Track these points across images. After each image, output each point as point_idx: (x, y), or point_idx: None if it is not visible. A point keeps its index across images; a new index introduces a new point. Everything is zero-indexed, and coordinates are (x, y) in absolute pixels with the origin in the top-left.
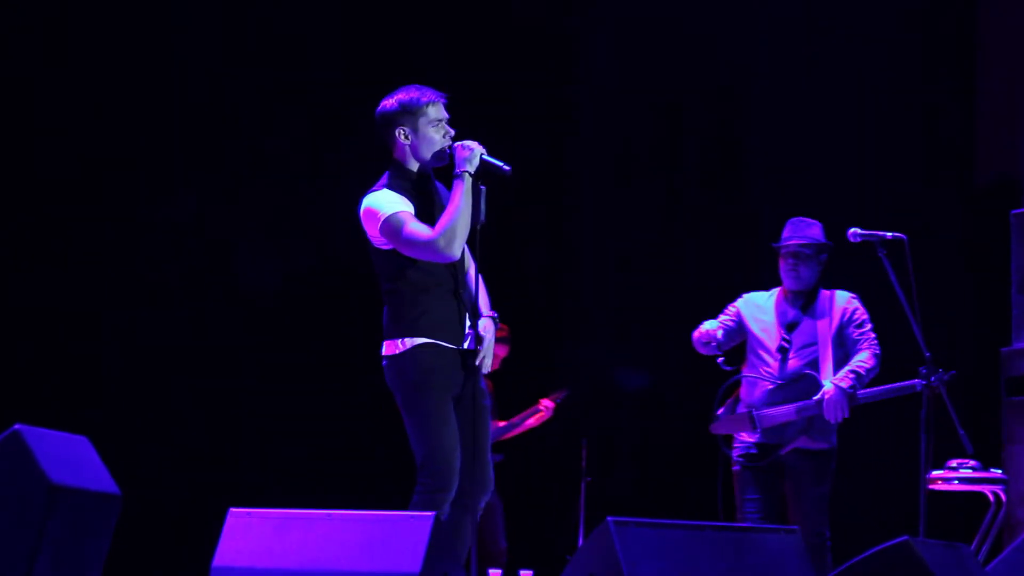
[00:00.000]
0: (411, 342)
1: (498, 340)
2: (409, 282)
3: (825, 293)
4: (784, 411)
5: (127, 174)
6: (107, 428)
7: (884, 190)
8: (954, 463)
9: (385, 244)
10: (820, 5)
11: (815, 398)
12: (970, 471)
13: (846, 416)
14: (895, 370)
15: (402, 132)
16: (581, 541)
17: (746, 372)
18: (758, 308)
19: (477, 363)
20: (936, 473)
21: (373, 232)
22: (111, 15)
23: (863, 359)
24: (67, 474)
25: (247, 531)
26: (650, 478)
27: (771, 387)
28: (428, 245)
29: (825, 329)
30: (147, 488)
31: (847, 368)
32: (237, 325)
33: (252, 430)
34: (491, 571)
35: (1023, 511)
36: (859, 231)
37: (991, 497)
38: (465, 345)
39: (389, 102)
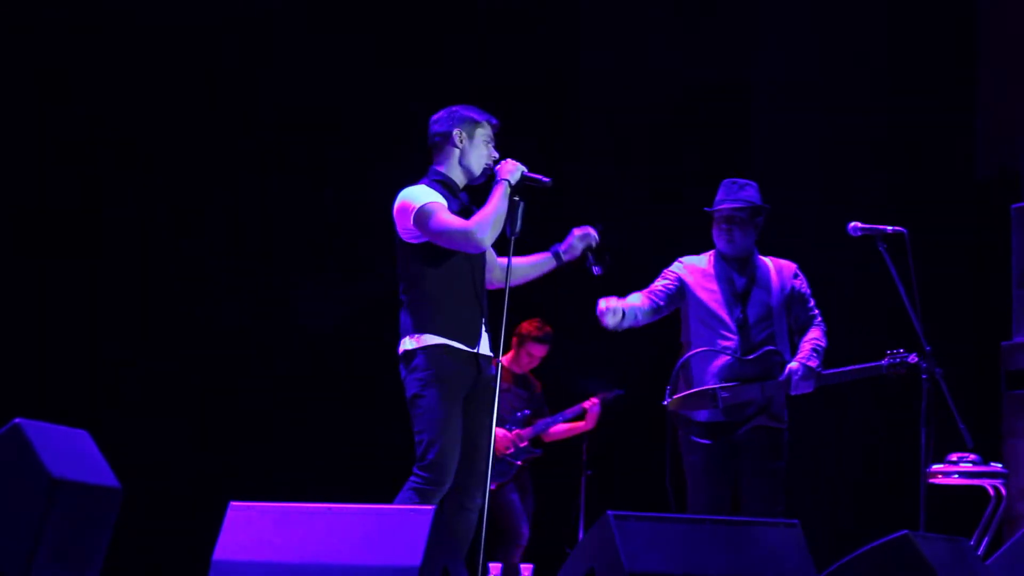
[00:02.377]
0: (426, 340)
1: (537, 339)
2: (431, 281)
3: (763, 260)
4: (749, 389)
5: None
6: (108, 422)
7: (884, 184)
8: (954, 457)
9: (415, 238)
10: (822, 3)
11: (781, 378)
12: (970, 465)
13: (808, 392)
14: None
15: (459, 134)
16: (581, 534)
17: (700, 346)
18: (702, 275)
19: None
20: (936, 467)
21: (405, 224)
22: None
23: (817, 337)
24: (68, 468)
25: (247, 524)
26: (651, 472)
27: (733, 363)
28: (462, 233)
29: (777, 301)
30: (148, 481)
31: (808, 347)
32: (238, 320)
33: (253, 423)
34: (491, 565)
35: (1023, 505)
36: (860, 225)
37: (991, 491)
38: (479, 348)
39: (452, 108)
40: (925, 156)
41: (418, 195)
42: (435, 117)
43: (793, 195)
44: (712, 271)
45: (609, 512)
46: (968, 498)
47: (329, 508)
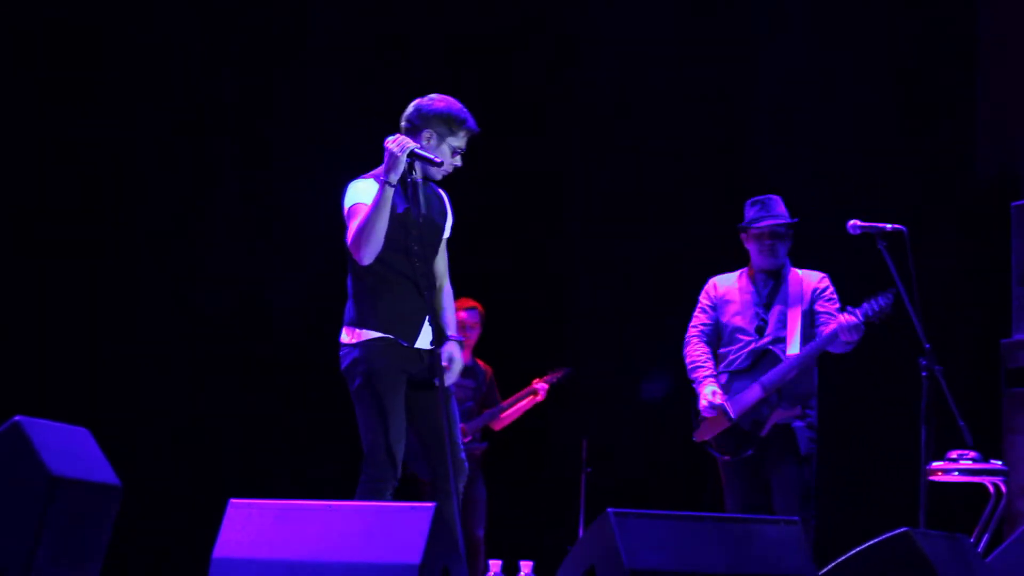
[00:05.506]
0: (366, 334)
1: (471, 326)
2: (372, 273)
3: (794, 272)
4: (751, 391)
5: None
6: (107, 419)
7: (884, 181)
8: (954, 454)
9: None
10: (822, 3)
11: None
12: (970, 462)
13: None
14: (896, 362)
15: (429, 135)
16: (581, 532)
17: (723, 362)
18: (731, 293)
19: (442, 384)
20: (936, 464)
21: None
22: None
23: (820, 333)
24: (67, 465)
25: (248, 522)
26: (651, 469)
27: (731, 375)
28: (349, 247)
29: (796, 311)
30: (148, 479)
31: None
32: (238, 318)
33: (253, 420)
34: (491, 562)
35: (1023, 502)
36: (859, 223)
37: (991, 488)
38: (421, 343)
39: (436, 103)
40: (925, 155)
41: (352, 194)
42: (416, 103)
43: (792, 195)
44: (741, 286)
45: (609, 509)
46: (968, 495)
47: (329, 505)
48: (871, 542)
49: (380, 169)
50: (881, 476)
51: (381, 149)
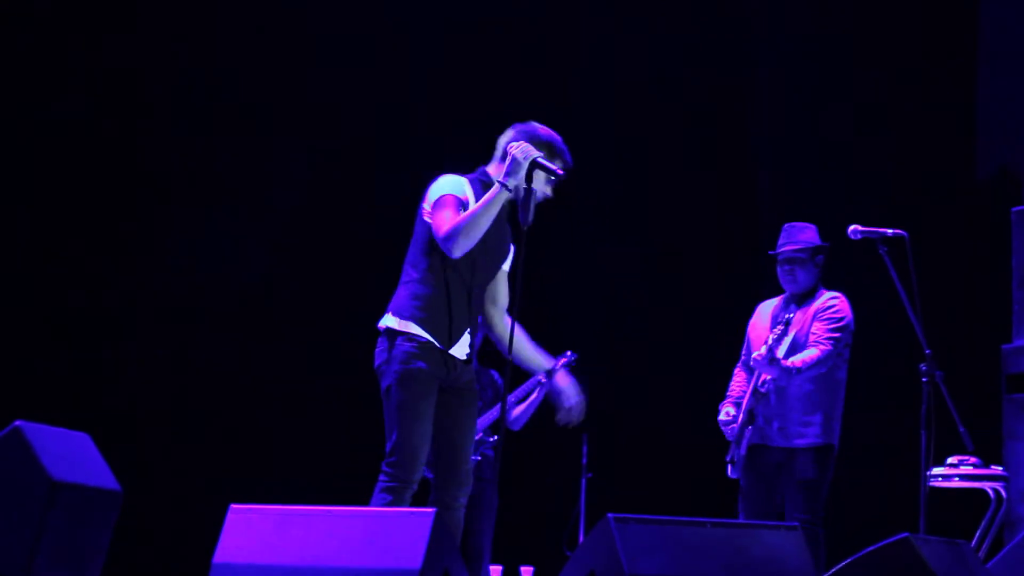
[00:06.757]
0: (408, 327)
1: None
2: (429, 272)
3: (823, 293)
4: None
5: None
6: (108, 424)
7: (885, 187)
8: (955, 460)
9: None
10: (823, 4)
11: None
12: (971, 468)
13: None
14: (896, 366)
15: None
16: (582, 537)
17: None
18: (761, 316)
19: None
20: (937, 470)
21: (427, 204)
22: None
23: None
24: (68, 470)
25: (248, 527)
26: (651, 474)
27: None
28: (440, 234)
29: (804, 332)
30: (148, 484)
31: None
32: (238, 321)
33: (253, 425)
34: (492, 568)
35: (1023, 508)
36: (860, 228)
37: (992, 494)
38: (456, 352)
39: (540, 130)
40: (925, 156)
41: (450, 185)
42: (518, 127)
43: (792, 198)
44: (772, 312)
45: (609, 515)
46: (969, 501)
47: (329, 511)
48: (871, 548)
49: (475, 174)
50: (881, 481)
51: None
